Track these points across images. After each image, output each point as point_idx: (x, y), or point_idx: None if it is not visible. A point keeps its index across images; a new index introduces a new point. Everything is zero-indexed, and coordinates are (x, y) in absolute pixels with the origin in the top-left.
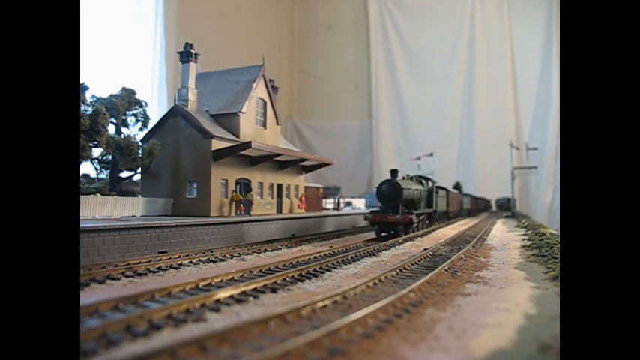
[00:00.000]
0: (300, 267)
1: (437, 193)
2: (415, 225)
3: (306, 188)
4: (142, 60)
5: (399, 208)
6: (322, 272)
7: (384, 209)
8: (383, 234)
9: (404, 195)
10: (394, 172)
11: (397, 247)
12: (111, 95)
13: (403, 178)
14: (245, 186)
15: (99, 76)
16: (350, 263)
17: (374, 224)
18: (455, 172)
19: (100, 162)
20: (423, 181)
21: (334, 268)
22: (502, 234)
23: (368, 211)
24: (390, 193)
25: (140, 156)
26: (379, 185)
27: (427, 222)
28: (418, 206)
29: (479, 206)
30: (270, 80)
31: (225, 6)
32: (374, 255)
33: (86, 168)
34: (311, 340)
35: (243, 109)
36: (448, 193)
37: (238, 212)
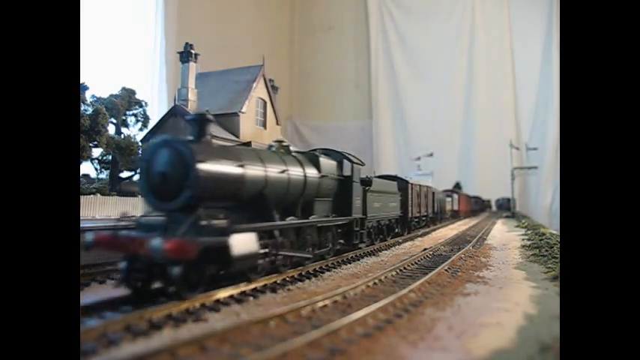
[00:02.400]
0: (300, 267)
1: (369, 185)
2: (253, 263)
3: None
4: (142, 60)
5: (193, 216)
6: (322, 272)
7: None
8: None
9: (202, 179)
10: (200, 120)
11: (397, 247)
12: (111, 95)
13: (270, 145)
14: None
15: (99, 76)
16: (350, 263)
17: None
18: (455, 172)
19: (100, 162)
20: (325, 160)
21: (334, 268)
22: (502, 234)
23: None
24: (163, 172)
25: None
26: (142, 152)
27: (339, 242)
28: (299, 210)
29: (473, 207)
30: (270, 80)
31: (225, 6)
32: (374, 255)
33: (86, 168)
34: (311, 340)
35: (243, 109)
36: (408, 187)
37: None
